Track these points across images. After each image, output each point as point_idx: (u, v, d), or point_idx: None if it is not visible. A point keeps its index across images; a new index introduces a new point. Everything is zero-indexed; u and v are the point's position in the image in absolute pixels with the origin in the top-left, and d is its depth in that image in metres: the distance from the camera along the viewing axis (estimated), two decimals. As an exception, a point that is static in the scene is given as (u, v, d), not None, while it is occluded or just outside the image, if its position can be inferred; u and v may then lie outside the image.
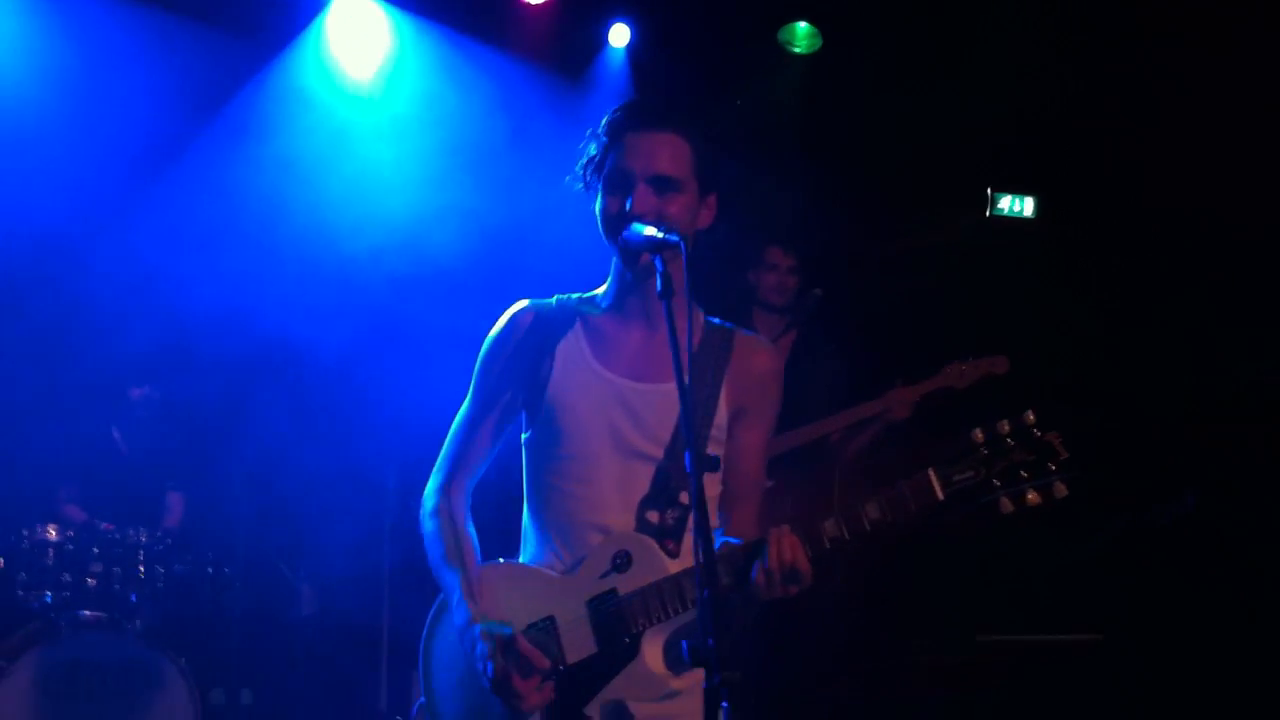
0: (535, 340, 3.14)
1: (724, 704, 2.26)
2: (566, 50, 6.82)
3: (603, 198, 3.06)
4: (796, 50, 7.08)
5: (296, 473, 6.15)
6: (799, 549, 2.79)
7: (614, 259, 3.13)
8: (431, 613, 3.23)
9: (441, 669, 3.17)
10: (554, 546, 3.11)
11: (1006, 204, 7.58)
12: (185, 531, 6.10)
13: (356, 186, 6.40)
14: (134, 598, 5.69)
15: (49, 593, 5.52)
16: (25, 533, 5.51)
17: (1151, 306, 6.97)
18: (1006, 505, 2.75)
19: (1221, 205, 6.50)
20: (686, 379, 2.55)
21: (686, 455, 2.49)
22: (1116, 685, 6.19)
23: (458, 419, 3.23)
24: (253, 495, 6.22)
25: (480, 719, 3.03)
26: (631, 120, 3.06)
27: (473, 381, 3.22)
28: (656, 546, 2.98)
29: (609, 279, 3.20)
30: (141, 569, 5.69)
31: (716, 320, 3.21)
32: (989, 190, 7.45)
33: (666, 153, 3.01)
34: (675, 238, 2.78)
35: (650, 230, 2.84)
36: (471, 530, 3.19)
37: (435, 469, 3.24)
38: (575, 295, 3.25)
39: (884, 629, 6.56)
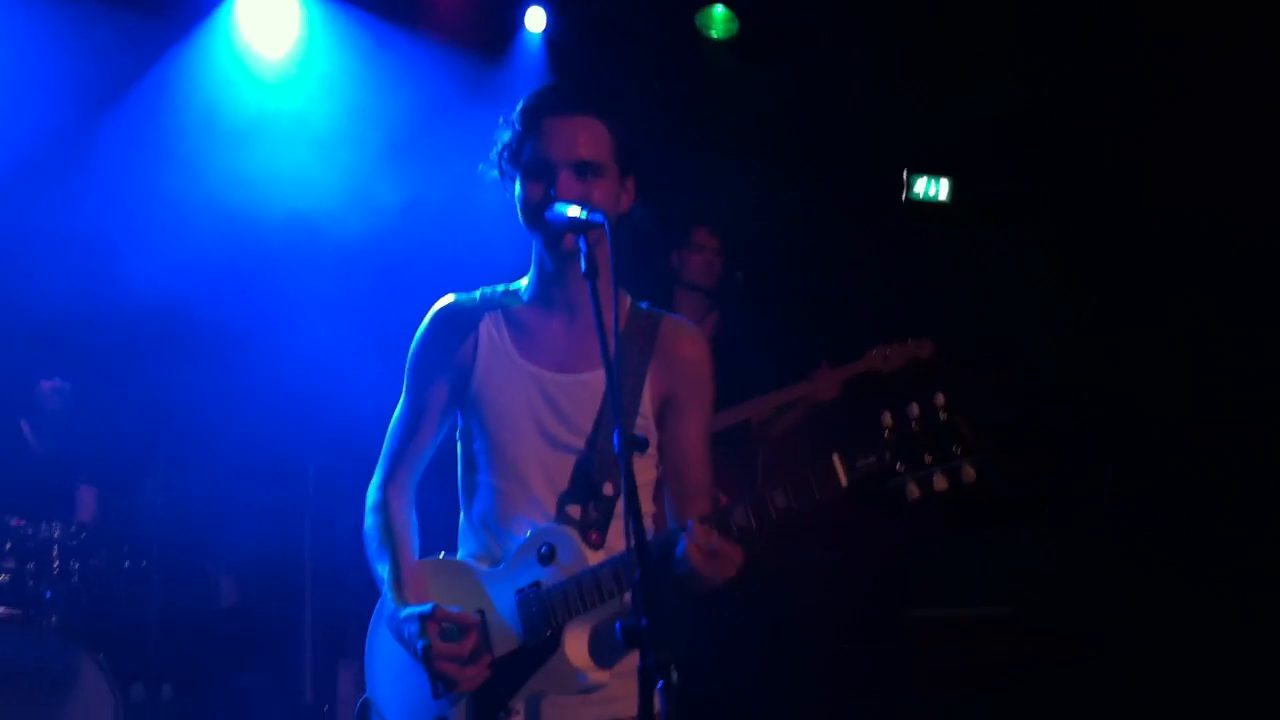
0: (460, 335, 3.15)
1: (659, 684, 2.25)
2: (482, 34, 6.74)
3: (523, 186, 3.04)
4: (714, 35, 7.07)
5: (213, 462, 6.03)
6: (713, 533, 2.77)
7: (535, 248, 3.12)
8: (375, 610, 3.24)
9: (381, 664, 3.19)
10: (485, 541, 3.14)
11: (921, 187, 7.60)
12: (100, 525, 5.98)
13: (269, 172, 6.27)
14: (48, 594, 5.57)
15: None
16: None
17: (1090, 288, 7.01)
18: (913, 490, 2.72)
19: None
20: (613, 355, 2.54)
21: (615, 434, 2.48)
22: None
23: (395, 417, 3.25)
24: (169, 486, 6.09)
25: (419, 711, 3.04)
26: (549, 105, 3.04)
27: (405, 379, 3.23)
28: (579, 539, 2.98)
29: (531, 270, 3.19)
30: (56, 565, 5.58)
31: (644, 305, 3.21)
32: (905, 172, 7.46)
33: (586, 137, 3.00)
34: (599, 217, 2.77)
35: (574, 210, 2.83)
36: (412, 524, 3.22)
37: (377, 466, 3.25)
38: (500, 287, 3.24)
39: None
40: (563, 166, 2.98)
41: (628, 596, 2.94)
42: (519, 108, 3.08)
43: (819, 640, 6.48)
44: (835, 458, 2.76)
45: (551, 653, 2.96)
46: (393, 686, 3.14)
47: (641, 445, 2.75)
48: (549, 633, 2.96)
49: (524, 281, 3.21)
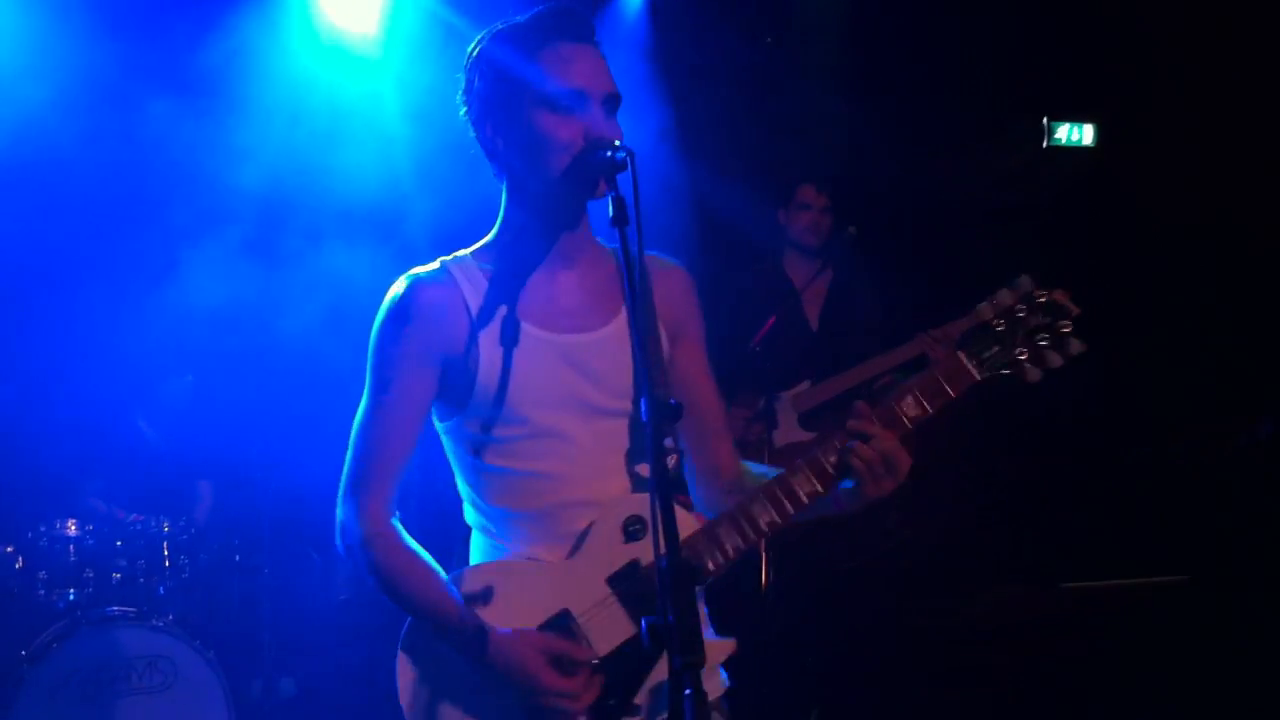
0: (441, 317, 2.68)
1: (687, 690, 1.94)
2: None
3: (543, 121, 2.59)
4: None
5: (325, 453, 5.89)
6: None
7: (533, 195, 2.70)
8: (406, 641, 2.74)
9: (446, 698, 2.69)
10: (530, 537, 2.73)
11: (1064, 133, 7.27)
12: (210, 520, 5.92)
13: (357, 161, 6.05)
14: (161, 590, 5.52)
15: (72, 590, 5.35)
16: (43, 529, 5.33)
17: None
18: (1033, 374, 2.67)
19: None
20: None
21: (642, 403, 2.16)
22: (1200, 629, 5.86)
23: (361, 425, 2.72)
24: (280, 478, 5.98)
25: None
26: (566, 29, 2.62)
27: (371, 380, 2.72)
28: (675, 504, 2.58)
29: (500, 224, 2.78)
30: (167, 561, 5.51)
31: (616, 247, 2.63)
32: (1045, 120, 7.13)
33: (607, 68, 2.65)
34: (624, 154, 2.43)
35: (613, 150, 2.45)
36: (419, 547, 2.72)
37: (346, 488, 2.71)
38: (464, 253, 2.78)
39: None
40: (597, 99, 2.60)
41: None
42: (521, 30, 2.65)
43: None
44: (961, 354, 2.67)
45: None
46: (462, 707, 2.68)
47: (676, 412, 2.41)
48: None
49: (490, 238, 2.79)
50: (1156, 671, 5.77)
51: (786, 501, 2.62)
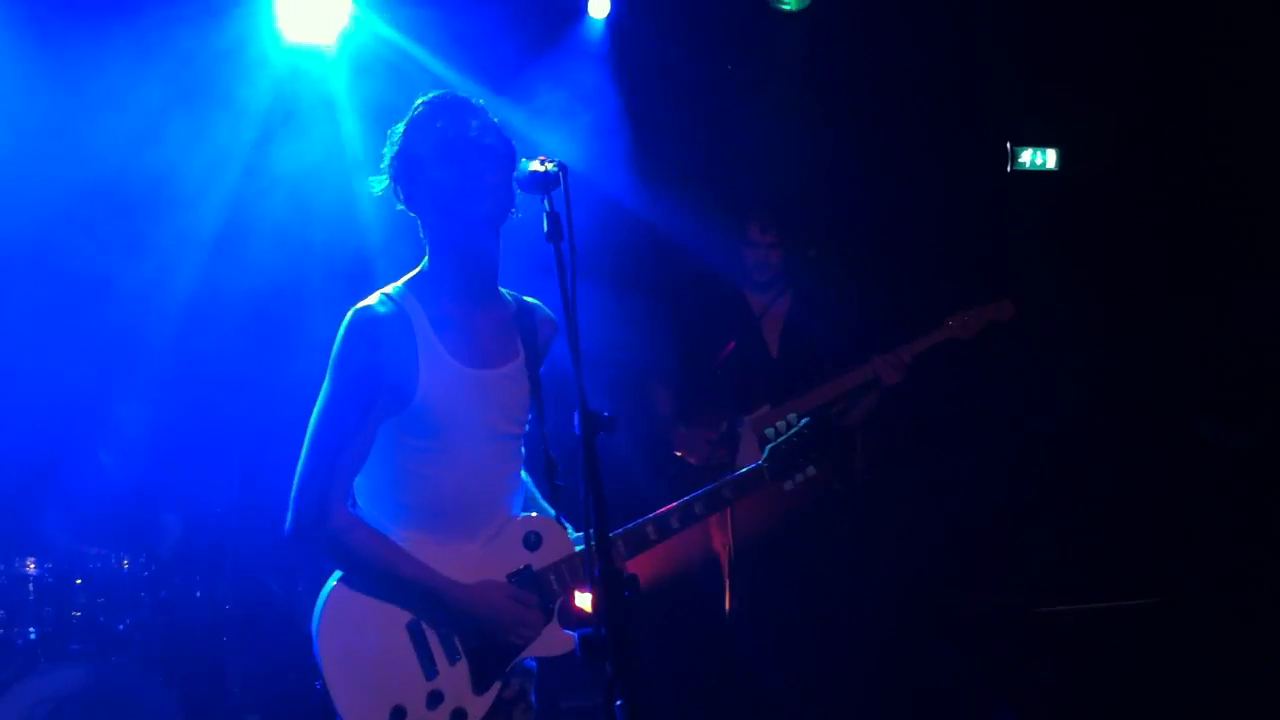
0: (394, 342, 3.13)
1: (618, 701, 1.95)
2: (544, 20, 6.44)
3: (445, 168, 3.11)
4: (786, 7, 6.70)
5: (285, 486, 5.82)
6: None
7: (448, 235, 3.18)
8: (328, 604, 3.22)
9: (360, 646, 3.17)
10: (444, 525, 3.22)
11: (1028, 157, 7.31)
12: (176, 552, 5.85)
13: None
14: (121, 627, 5.47)
15: (32, 629, 5.30)
16: (1, 567, 5.28)
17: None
18: None
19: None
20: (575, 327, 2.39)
21: (575, 416, 2.23)
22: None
23: (322, 427, 3.15)
24: (242, 511, 5.93)
25: (411, 686, 3.13)
26: (449, 101, 3.19)
27: (331, 389, 3.16)
28: (560, 527, 3.26)
29: (437, 262, 3.22)
30: (127, 597, 5.47)
31: (504, 290, 3.33)
32: (1009, 145, 7.18)
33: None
34: (558, 167, 2.66)
35: (535, 165, 2.69)
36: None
37: (301, 485, 3.15)
38: (399, 286, 3.23)
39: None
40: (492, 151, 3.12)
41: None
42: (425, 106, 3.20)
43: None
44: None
45: (546, 624, 3.23)
46: (369, 670, 3.15)
47: (610, 425, 2.48)
48: (541, 610, 3.20)
49: (416, 273, 3.24)
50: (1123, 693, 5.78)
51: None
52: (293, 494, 3.16)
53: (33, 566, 5.33)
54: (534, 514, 3.30)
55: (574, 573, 3.20)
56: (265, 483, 5.96)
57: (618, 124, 6.20)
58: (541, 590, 3.20)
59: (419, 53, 5.89)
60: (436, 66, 5.85)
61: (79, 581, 5.44)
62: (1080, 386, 6.62)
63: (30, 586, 5.31)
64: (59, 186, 5.69)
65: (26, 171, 5.62)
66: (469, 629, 3.17)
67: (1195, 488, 6.58)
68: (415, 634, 3.18)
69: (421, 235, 3.24)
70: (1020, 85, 6.85)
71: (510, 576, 3.21)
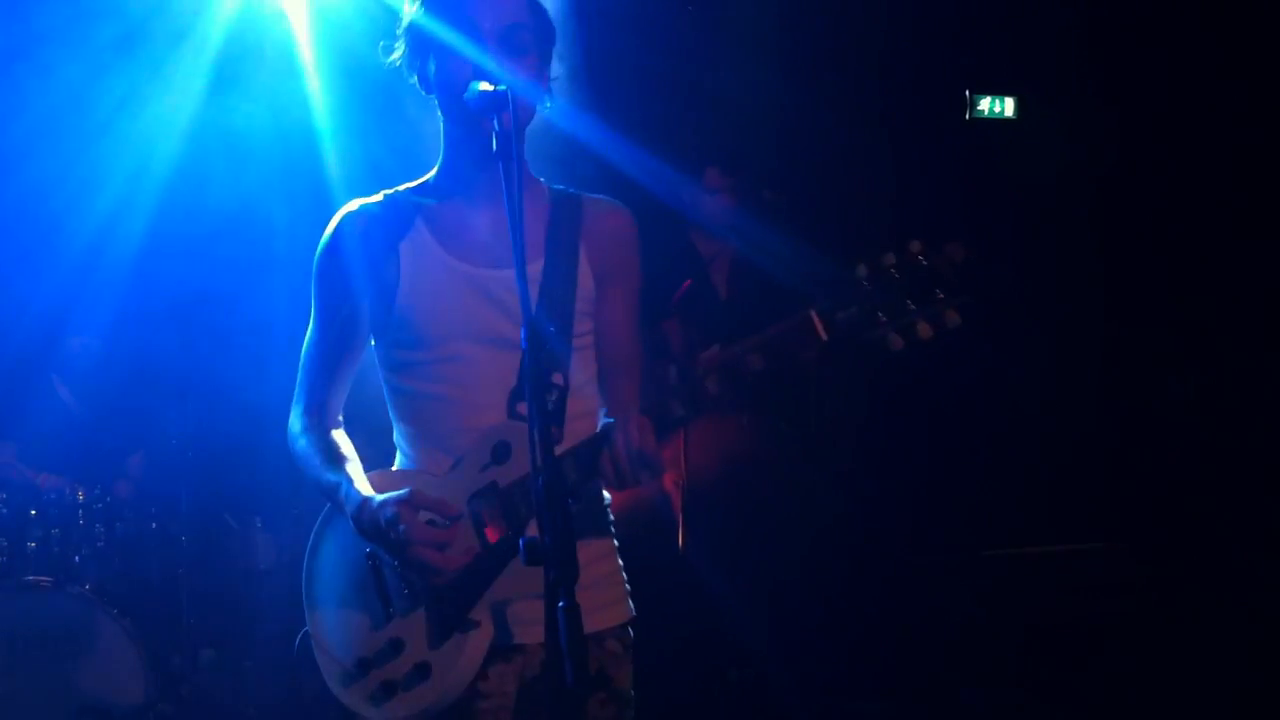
0: (372, 244, 2.88)
1: (560, 603, 2.00)
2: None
3: (439, 60, 2.78)
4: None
5: (244, 416, 5.83)
6: (648, 430, 2.53)
7: (450, 133, 2.89)
8: (313, 535, 3.00)
9: (324, 586, 2.93)
10: (429, 452, 2.88)
11: (986, 105, 7.31)
12: (130, 492, 5.87)
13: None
14: (77, 559, 5.51)
15: (-13, 558, 5.32)
16: (-45, 498, 5.30)
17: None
18: (896, 341, 2.47)
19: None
20: (522, 243, 2.32)
21: (523, 331, 2.22)
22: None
23: (307, 344, 2.98)
24: (199, 445, 5.93)
25: (367, 634, 2.80)
26: None
27: (312, 301, 2.96)
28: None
29: (443, 159, 2.94)
30: (82, 529, 5.50)
31: (559, 187, 2.98)
32: (967, 93, 7.17)
33: (513, 7, 2.76)
34: (512, 90, 2.51)
35: (485, 85, 2.57)
36: (348, 440, 2.96)
37: (294, 400, 2.98)
38: (404, 187, 2.97)
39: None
40: (489, 36, 2.73)
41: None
42: None
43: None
44: (813, 313, 2.53)
45: (514, 555, 2.59)
46: (336, 612, 2.88)
47: (557, 341, 2.47)
48: (510, 533, 2.69)
49: (432, 175, 2.96)
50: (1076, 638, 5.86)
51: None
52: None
53: (-13, 498, 5.34)
54: (510, 420, 2.78)
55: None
56: (224, 416, 6.00)
57: (576, 63, 6.19)
58: (507, 511, 2.69)
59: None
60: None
61: (34, 513, 5.46)
62: (1037, 341, 6.67)
63: (-15, 518, 5.33)
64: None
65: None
66: (387, 546, 2.74)
67: (1149, 441, 6.65)
68: (374, 564, 2.83)
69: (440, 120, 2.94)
70: (979, 34, 6.84)
71: (472, 498, 2.73)
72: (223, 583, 6.01)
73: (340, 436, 2.95)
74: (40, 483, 5.56)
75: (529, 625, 2.74)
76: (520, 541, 2.18)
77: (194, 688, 5.88)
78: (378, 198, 2.95)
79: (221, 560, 6.05)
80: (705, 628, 5.49)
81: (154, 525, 5.72)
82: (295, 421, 2.96)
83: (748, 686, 5.57)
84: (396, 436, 2.99)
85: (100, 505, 5.54)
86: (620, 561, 2.98)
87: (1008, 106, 7.30)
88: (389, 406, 2.98)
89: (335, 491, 2.80)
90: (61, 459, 5.75)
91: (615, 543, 2.99)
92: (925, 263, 2.44)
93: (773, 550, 5.61)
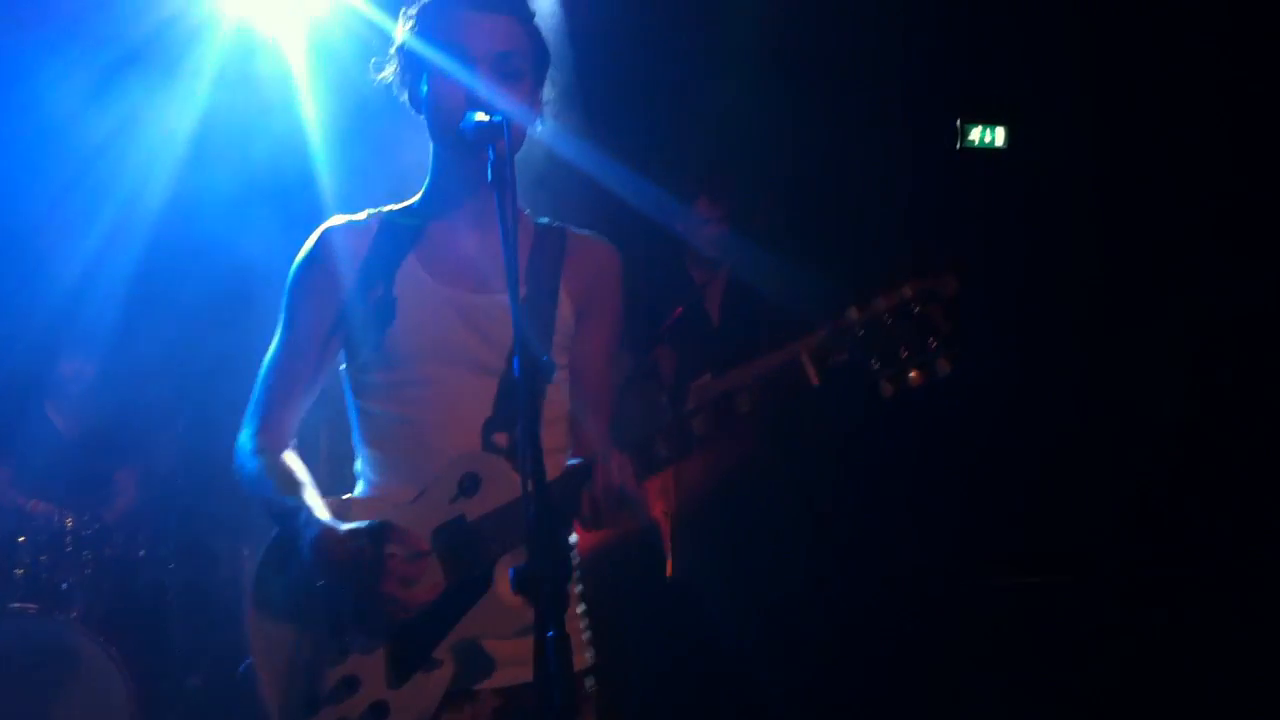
0: (353, 262, 2.82)
1: (550, 633, 1.99)
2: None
3: (433, 85, 2.76)
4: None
5: (233, 443, 5.79)
6: (628, 469, 2.51)
7: (439, 156, 2.86)
8: (259, 562, 2.79)
9: (278, 615, 2.71)
10: (387, 481, 2.81)
11: (977, 135, 7.33)
12: (129, 510, 5.84)
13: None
14: (64, 586, 5.47)
15: (-27, 586, 5.30)
16: (-58, 524, 5.28)
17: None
18: (887, 388, 2.52)
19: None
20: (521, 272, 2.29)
21: (515, 361, 2.20)
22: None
23: (270, 358, 2.87)
24: (188, 472, 5.92)
25: (318, 672, 2.64)
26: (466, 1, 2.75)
27: (283, 314, 2.88)
28: (508, 465, 2.66)
29: (427, 183, 2.91)
30: (70, 555, 5.47)
31: (544, 220, 2.95)
32: (958, 122, 7.19)
33: (506, 32, 2.74)
34: (508, 120, 2.48)
35: (481, 116, 2.53)
36: (302, 464, 2.81)
37: (248, 416, 2.84)
38: (389, 207, 2.93)
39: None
40: (482, 63, 2.71)
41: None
42: (432, 2, 2.79)
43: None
44: (805, 357, 2.55)
45: (482, 593, 2.61)
46: (285, 644, 2.69)
47: (547, 370, 2.47)
48: (477, 570, 2.60)
49: (418, 198, 2.92)
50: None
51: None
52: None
53: (-25, 524, 5.32)
54: (481, 452, 2.70)
55: (518, 521, 2.50)
56: (212, 442, 5.97)
57: (569, 85, 6.19)
58: (474, 546, 2.59)
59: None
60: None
61: (22, 539, 5.44)
62: (1025, 363, 6.68)
63: (-28, 544, 5.30)
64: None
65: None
66: (348, 581, 2.59)
67: (1128, 456, 6.66)
68: (329, 597, 2.64)
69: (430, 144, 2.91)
70: (970, 62, 6.87)
71: (437, 531, 2.63)
72: (210, 609, 5.97)
73: (294, 459, 2.82)
74: (30, 508, 5.52)
75: (489, 669, 2.69)
76: (510, 571, 2.12)
77: (181, 714, 5.85)
78: (363, 215, 2.91)
79: (209, 586, 6.02)
80: (695, 651, 5.49)
81: (142, 552, 5.69)
82: (246, 440, 2.81)
83: (740, 708, 5.57)
84: (360, 464, 2.90)
85: (89, 532, 5.51)
86: (583, 607, 2.90)
87: (998, 136, 7.33)
88: (354, 431, 2.90)
89: (293, 517, 2.65)
90: (52, 484, 5.73)
91: (580, 588, 2.90)
92: (918, 310, 2.50)
93: (765, 570, 5.61)
